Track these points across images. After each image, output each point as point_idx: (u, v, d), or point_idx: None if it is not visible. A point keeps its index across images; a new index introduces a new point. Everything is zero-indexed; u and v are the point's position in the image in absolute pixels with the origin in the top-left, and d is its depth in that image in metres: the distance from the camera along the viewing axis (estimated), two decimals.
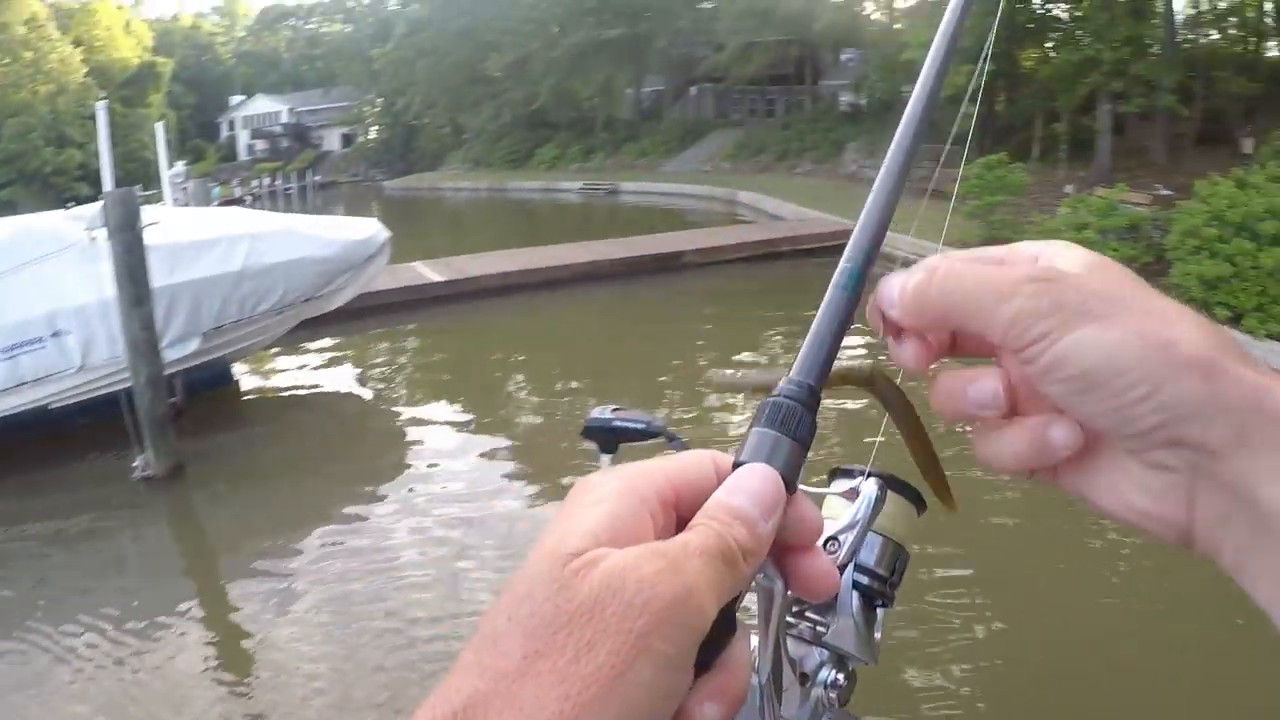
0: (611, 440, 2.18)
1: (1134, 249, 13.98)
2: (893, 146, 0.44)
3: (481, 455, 7.25)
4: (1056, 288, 0.37)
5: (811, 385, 0.40)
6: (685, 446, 2.08)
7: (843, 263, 0.42)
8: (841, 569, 0.53)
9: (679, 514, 0.36)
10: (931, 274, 0.39)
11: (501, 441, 7.63)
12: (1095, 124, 20.43)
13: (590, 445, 2.31)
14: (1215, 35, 26.74)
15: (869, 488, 0.60)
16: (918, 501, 0.62)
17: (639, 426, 2.08)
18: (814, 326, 0.41)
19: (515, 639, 0.30)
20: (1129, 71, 18.78)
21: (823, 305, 0.42)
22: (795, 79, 35.65)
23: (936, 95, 0.45)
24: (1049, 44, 23.34)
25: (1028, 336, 0.36)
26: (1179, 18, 23.28)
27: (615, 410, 2.17)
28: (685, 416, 8.04)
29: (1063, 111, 21.14)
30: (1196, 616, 4.44)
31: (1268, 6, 24.32)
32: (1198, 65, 21.16)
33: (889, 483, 0.61)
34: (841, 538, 0.57)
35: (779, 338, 11.54)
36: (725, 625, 0.34)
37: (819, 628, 0.57)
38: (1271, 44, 26.53)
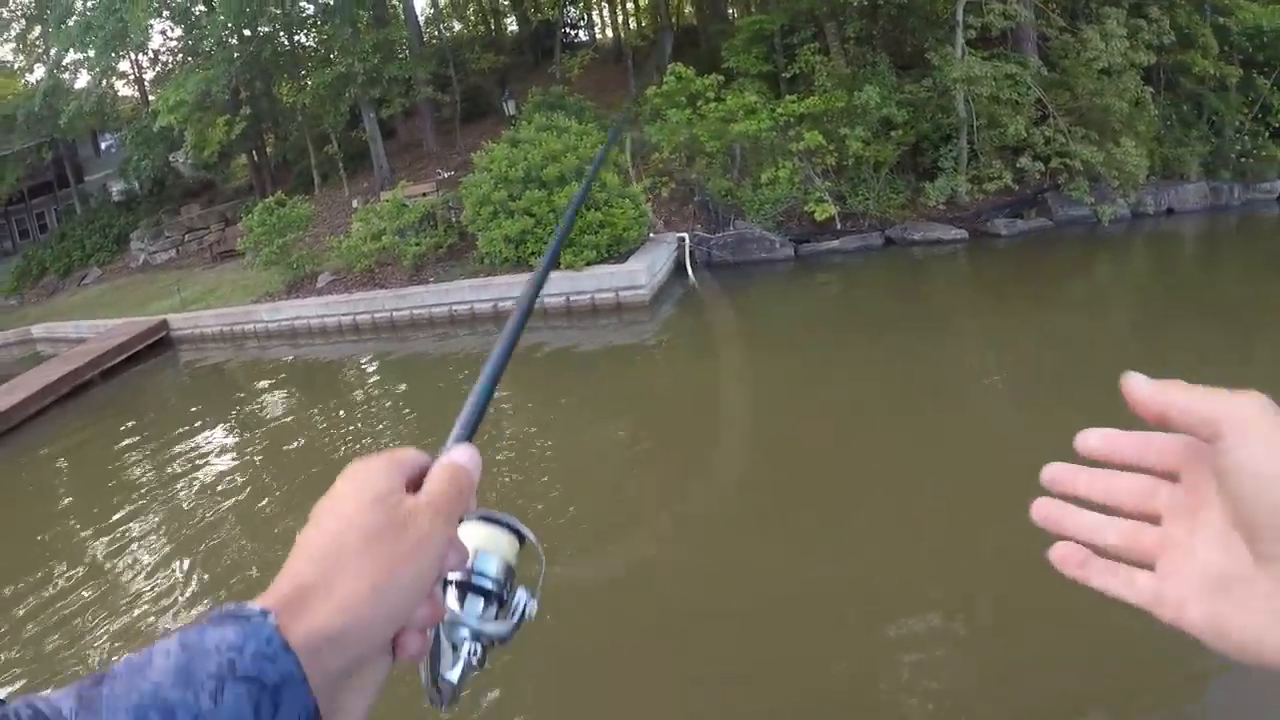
0: None
1: (436, 235, 14.51)
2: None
3: None
4: None
5: None
6: None
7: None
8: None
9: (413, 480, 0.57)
10: None
11: None
12: (365, 134, 21.23)
13: None
14: (459, 25, 30.07)
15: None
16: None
17: None
18: None
19: (355, 539, 0.50)
20: (384, 76, 19.61)
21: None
22: (60, 183, 31.32)
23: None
24: (303, 72, 23.12)
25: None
26: (421, 17, 25.30)
27: None
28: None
29: (332, 132, 21.45)
30: None
31: None
32: (448, 54, 22.97)
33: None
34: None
35: (148, 471, 9.94)
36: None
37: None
38: (509, 20, 30.97)
